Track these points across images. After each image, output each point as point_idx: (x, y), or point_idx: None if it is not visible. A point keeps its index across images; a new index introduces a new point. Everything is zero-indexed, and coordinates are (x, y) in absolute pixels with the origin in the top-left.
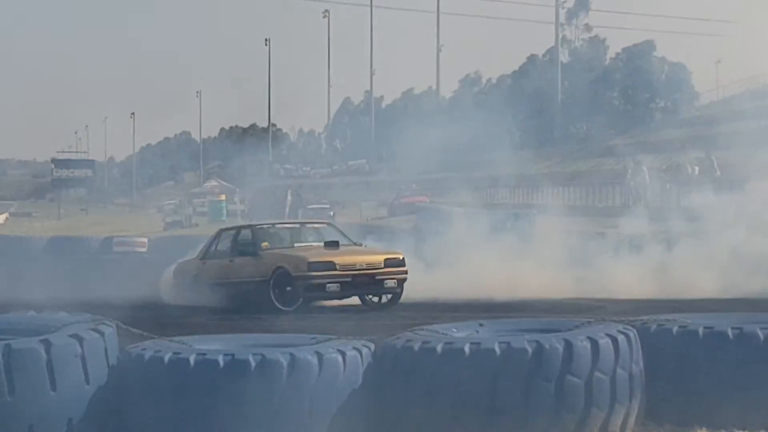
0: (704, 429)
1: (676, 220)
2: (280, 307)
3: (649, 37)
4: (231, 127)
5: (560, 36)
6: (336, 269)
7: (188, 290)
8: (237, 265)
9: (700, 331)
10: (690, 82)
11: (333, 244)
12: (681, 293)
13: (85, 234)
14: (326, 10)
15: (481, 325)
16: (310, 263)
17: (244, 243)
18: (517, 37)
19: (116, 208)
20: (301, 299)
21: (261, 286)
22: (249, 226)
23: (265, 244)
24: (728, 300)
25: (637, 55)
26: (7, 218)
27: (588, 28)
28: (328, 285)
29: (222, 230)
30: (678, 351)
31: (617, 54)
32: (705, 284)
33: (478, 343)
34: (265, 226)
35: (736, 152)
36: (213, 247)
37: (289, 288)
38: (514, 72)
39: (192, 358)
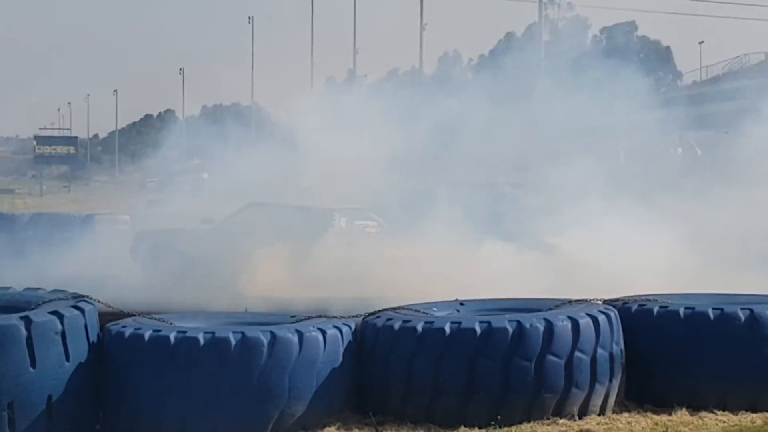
0: (684, 410)
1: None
2: None
3: (632, 17)
4: (214, 105)
5: (543, 14)
6: None
7: None
8: None
9: (681, 311)
10: (673, 61)
11: None
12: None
13: (67, 211)
14: None
15: (461, 304)
16: None
17: None
18: (496, 16)
19: (98, 185)
20: None
21: None
22: None
23: None
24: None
25: (619, 34)
26: None
27: (571, 6)
28: None
29: None
30: (658, 331)
31: (597, 34)
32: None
33: (459, 323)
34: None
35: (718, 133)
36: None
37: None
38: (492, 51)
39: (172, 336)
